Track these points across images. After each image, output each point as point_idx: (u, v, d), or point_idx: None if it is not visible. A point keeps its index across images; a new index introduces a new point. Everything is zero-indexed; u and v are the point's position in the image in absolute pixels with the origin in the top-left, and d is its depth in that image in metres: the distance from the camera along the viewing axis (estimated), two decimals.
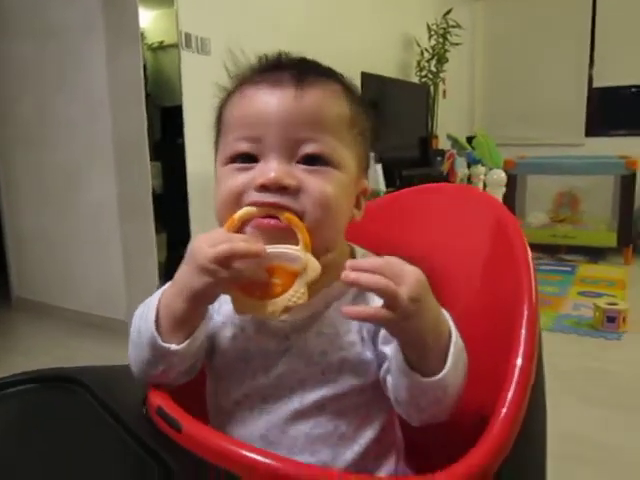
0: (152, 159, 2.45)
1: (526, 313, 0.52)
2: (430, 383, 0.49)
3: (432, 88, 4.55)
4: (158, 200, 2.48)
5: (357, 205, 0.62)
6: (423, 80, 4.55)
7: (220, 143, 0.62)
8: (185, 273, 0.52)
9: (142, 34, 2.36)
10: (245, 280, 0.50)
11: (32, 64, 2.85)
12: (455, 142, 2.75)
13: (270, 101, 0.55)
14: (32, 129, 2.93)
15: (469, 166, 3.35)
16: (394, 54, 4.40)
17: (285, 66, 0.59)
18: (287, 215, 0.52)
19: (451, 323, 0.52)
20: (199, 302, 0.52)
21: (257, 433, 0.57)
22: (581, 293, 3.13)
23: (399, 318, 0.46)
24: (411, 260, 0.50)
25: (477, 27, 4.86)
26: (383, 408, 0.60)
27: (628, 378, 2.05)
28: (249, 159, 0.56)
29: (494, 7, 4.83)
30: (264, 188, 0.53)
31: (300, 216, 0.53)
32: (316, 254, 0.53)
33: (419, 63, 4.54)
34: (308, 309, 0.57)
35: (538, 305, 0.53)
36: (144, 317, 0.55)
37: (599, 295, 3.00)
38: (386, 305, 0.47)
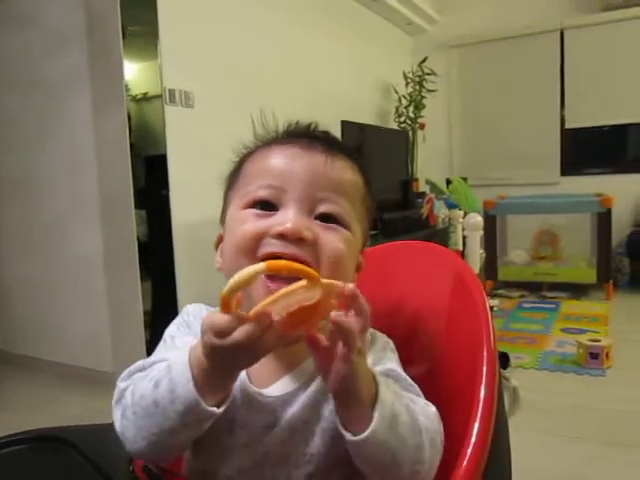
0: (137, 207, 2.49)
1: (486, 355, 0.56)
2: (357, 442, 0.49)
3: (411, 133, 4.69)
4: (143, 248, 2.51)
5: (353, 278, 0.64)
6: (402, 126, 4.69)
7: (237, 191, 0.63)
8: (207, 356, 0.50)
9: (127, 85, 2.43)
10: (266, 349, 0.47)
11: (17, 117, 2.91)
12: (433, 187, 2.83)
13: (300, 160, 0.60)
14: (17, 181, 2.96)
15: (449, 208, 3.44)
16: (373, 101, 4.55)
17: (315, 135, 0.64)
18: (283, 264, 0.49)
19: (384, 392, 0.51)
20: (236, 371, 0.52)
21: None
22: (564, 330, 3.16)
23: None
24: (386, 310, 0.53)
25: (452, 73, 5.04)
26: None
27: (614, 415, 2.07)
28: (268, 207, 0.59)
29: (467, 54, 5.02)
30: (282, 237, 0.56)
31: (315, 269, 0.52)
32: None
33: (397, 109, 4.69)
34: (296, 382, 0.58)
35: (496, 348, 0.57)
36: (165, 388, 0.51)
37: (582, 331, 3.04)
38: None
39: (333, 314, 0.46)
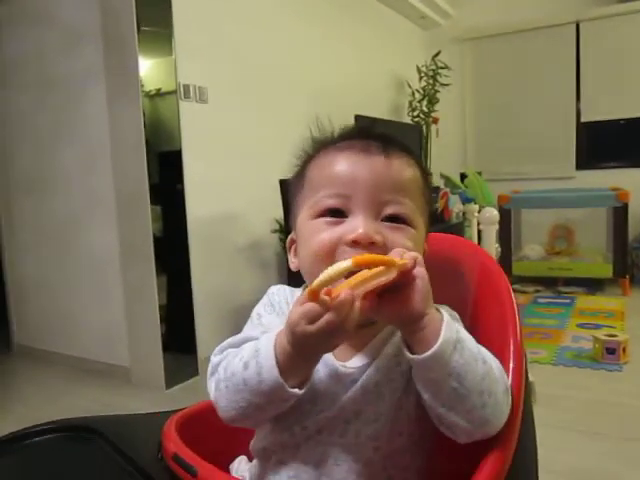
0: (152, 203, 2.50)
1: (512, 348, 0.56)
2: (424, 360, 0.53)
3: (424, 127, 4.67)
4: (158, 243, 2.52)
5: None
6: (415, 120, 4.67)
7: (306, 198, 0.67)
8: (294, 342, 0.54)
9: (141, 82, 2.44)
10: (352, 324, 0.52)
11: (32, 115, 2.93)
12: (448, 181, 2.81)
13: (361, 165, 0.64)
14: (32, 178, 2.99)
15: (464, 202, 3.42)
16: (386, 96, 4.53)
17: (370, 136, 0.68)
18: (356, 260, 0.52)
19: (449, 320, 0.55)
20: (319, 352, 0.57)
21: (311, 462, 0.62)
22: (580, 325, 3.14)
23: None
24: None
25: (465, 67, 5.00)
26: (423, 456, 0.65)
27: (631, 410, 2.06)
28: (338, 214, 0.63)
29: (481, 48, 4.98)
30: (355, 244, 0.60)
31: None
32: None
33: (411, 104, 4.67)
34: (369, 355, 0.64)
35: (522, 339, 0.57)
36: (253, 370, 0.57)
37: (598, 327, 3.02)
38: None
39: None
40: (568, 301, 3.71)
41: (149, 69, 2.50)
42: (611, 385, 2.31)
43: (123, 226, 2.61)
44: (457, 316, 0.65)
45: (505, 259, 4.03)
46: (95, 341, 2.81)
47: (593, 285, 3.97)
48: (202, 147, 2.67)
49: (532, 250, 4.30)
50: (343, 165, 0.64)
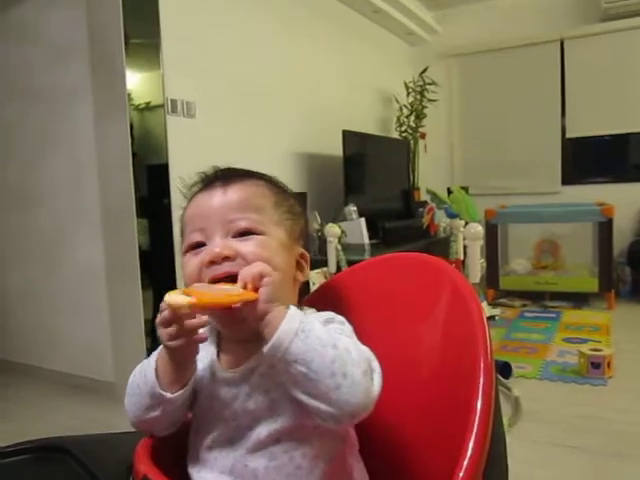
0: (139, 216, 2.50)
1: (482, 364, 0.56)
2: (268, 350, 0.60)
3: (412, 142, 4.71)
4: (144, 257, 2.51)
5: (300, 268, 0.77)
6: (403, 135, 4.70)
7: (183, 239, 0.78)
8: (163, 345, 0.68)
9: (129, 95, 2.44)
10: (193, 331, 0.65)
11: (18, 128, 2.92)
12: (434, 196, 2.83)
13: (207, 201, 0.74)
14: (18, 191, 2.98)
15: (449, 217, 3.44)
16: (374, 111, 4.57)
17: (217, 176, 0.77)
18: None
19: (293, 314, 0.62)
20: (181, 358, 0.68)
21: (227, 468, 0.68)
22: (566, 339, 3.16)
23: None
24: (382, 322, 0.55)
25: (452, 83, 5.06)
26: (336, 442, 0.70)
27: (615, 425, 2.06)
28: (200, 245, 0.73)
29: (467, 64, 5.04)
30: (212, 263, 0.69)
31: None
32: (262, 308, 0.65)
33: (399, 119, 4.71)
34: (255, 360, 0.69)
35: (493, 360, 0.57)
36: (143, 373, 0.70)
37: (584, 341, 3.03)
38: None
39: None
40: (554, 315, 3.73)
41: (137, 83, 2.51)
42: (596, 400, 2.31)
43: (109, 239, 2.60)
44: (342, 319, 0.70)
45: (492, 273, 4.05)
46: (80, 356, 2.78)
47: (579, 299, 4.00)
48: (189, 161, 2.67)
49: (519, 265, 4.33)
50: (195, 207, 0.76)
